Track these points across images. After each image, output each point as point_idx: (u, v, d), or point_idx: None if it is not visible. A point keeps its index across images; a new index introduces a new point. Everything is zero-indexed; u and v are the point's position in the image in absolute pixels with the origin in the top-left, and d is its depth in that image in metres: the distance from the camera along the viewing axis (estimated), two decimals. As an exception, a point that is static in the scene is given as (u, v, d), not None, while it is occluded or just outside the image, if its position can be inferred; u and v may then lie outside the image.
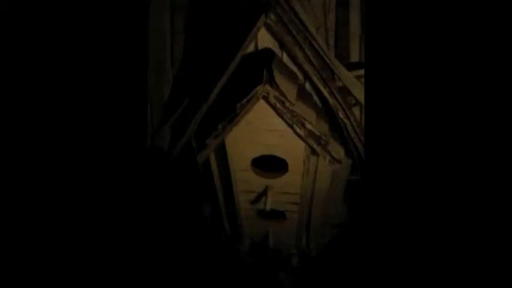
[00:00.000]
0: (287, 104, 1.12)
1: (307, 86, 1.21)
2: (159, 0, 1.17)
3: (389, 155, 0.81)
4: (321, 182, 1.52)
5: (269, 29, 1.04)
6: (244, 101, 1.12)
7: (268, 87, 1.08)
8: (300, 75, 1.18)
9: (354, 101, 1.27)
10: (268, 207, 1.45)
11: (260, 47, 1.11)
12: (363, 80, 1.23)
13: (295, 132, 1.18)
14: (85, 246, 0.97)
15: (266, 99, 1.10)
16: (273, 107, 1.12)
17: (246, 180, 1.48)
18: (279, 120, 1.17)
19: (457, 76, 0.74)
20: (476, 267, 0.73)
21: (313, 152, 1.29)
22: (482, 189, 0.73)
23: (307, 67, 1.09)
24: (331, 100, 1.15)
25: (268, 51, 1.12)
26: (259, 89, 1.08)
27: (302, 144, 1.27)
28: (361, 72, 1.24)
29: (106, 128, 0.88)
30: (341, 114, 1.18)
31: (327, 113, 1.27)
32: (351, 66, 1.22)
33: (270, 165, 1.45)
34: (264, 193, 1.51)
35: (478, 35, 0.72)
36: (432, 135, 0.76)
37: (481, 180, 0.73)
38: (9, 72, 0.77)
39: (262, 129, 1.24)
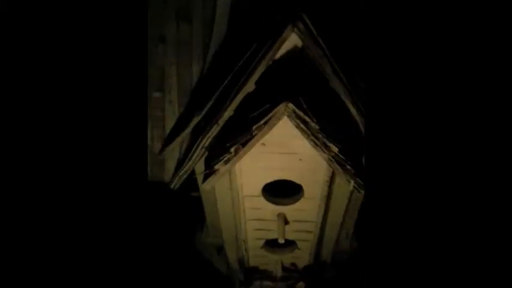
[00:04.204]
0: (312, 125, 0.98)
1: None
2: (161, 8, 1.03)
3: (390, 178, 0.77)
4: (336, 209, 1.39)
5: (295, 40, 0.90)
6: (262, 121, 0.98)
7: (291, 105, 0.94)
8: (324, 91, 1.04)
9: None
10: (283, 238, 1.30)
11: (281, 59, 0.96)
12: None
13: (320, 155, 1.04)
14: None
15: (289, 119, 0.96)
16: (296, 127, 0.98)
17: (256, 207, 1.33)
18: (300, 142, 1.03)
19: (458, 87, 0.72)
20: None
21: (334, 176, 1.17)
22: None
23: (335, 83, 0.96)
24: (358, 118, 1.02)
25: (289, 64, 0.98)
26: (281, 107, 0.94)
27: (323, 168, 1.13)
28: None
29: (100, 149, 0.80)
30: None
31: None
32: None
33: (277, 190, 1.31)
34: (275, 221, 1.37)
35: (477, 39, 0.71)
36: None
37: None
38: (9, 72, 0.75)
39: (278, 151, 1.10)
